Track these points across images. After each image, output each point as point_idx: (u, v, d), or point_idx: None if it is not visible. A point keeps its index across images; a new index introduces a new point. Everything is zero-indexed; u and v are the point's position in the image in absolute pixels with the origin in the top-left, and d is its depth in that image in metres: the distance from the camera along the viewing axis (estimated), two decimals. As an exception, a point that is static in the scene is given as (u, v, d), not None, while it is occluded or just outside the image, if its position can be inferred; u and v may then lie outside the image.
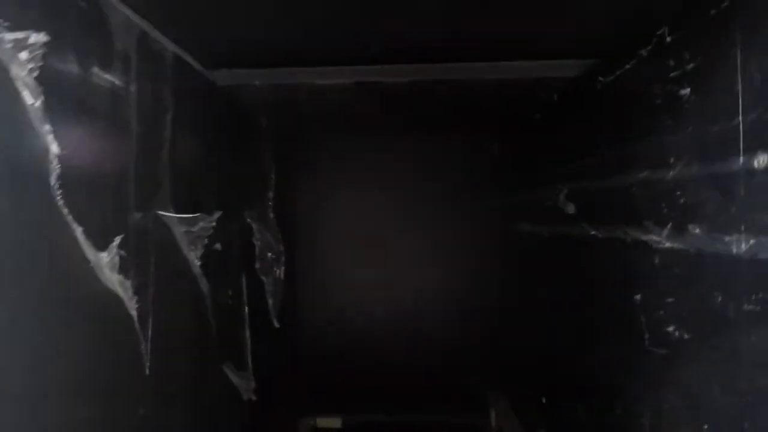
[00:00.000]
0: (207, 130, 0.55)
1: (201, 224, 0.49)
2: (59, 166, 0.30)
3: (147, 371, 0.41)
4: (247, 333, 0.68)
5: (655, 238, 0.41)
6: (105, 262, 0.34)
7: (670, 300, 0.40)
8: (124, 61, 0.38)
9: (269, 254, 0.75)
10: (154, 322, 0.41)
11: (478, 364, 1.00)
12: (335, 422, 1.01)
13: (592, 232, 0.55)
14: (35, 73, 0.27)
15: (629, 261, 0.46)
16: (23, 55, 0.26)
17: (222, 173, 0.59)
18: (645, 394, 0.44)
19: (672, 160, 0.39)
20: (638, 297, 0.44)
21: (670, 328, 0.39)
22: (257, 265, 0.72)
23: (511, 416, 0.86)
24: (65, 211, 0.30)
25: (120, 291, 0.36)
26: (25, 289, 0.27)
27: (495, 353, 0.98)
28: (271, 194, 0.79)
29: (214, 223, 0.52)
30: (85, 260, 0.33)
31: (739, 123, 0.31)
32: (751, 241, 0.30)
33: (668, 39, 0.39)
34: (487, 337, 0.99)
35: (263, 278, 0.73)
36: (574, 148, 0.61)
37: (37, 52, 0.27)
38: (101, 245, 0.34)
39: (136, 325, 0.39)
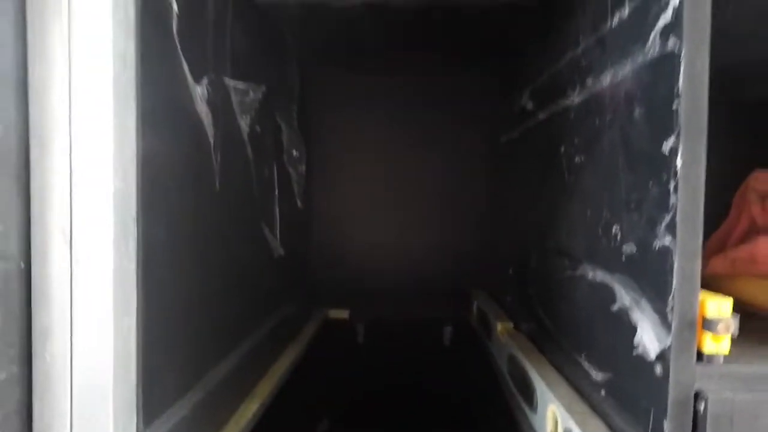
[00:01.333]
0: (251, 36, 0.73)
1: (251, 95, 0.67)
2: (176, 21, 0.48)
3: (217, 186, 0.59)
4: (277, 208, 0.86)
5: (571, 100, 0.59)
6: (198, 92, 0.53)
7: (576, 140, 0.57)
8: (206, -34, 0.55)
9: (294, 152, 0.93)
10: (221, 158, 0.60)
11: (465, 266, 1.19)
12: (343, 314, 1.20)
13: (541, 116, 0.72)
14: (169, -44, 0.45)
15: (559, 125, 0.63)
16: (165, -58, 0.44)
17: (261, 74, 0.77)
18: (565, 214, 0.61)
19: (580, 38, 0.56)
20: (562, 148, 0.62)
21: (576, 159, 0.57)
22: (285, 158, 0.90)
23: (490, 302, 1.05)
24: (179, 48, 0.49)
25: (204, 119, 0.55)
26: (159, 86, 0.45)
27: (482, 257, 1.17)
28: (294, 106, 0.97)
29: (260, 97, 0.70)
30: (187, 87, 0.51)
31: (607, 4, 0.48)
32: (611, 74, 0.47)
33: (581, -47, 0.56)
34: (475, 243, 1.18)
35: (290, 169, 0.92)
36: (534, 58, 0.78)
37: (170, -58, 0.45)
38: (196, 78, 0.52)
39: (212, 149, 0.57)
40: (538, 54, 0.75)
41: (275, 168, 0.85)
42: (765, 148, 0.85)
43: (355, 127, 1.19)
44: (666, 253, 0.37)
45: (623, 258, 0.44)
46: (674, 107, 0.36)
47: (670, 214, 0.36)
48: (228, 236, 0.64)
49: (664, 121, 0.37)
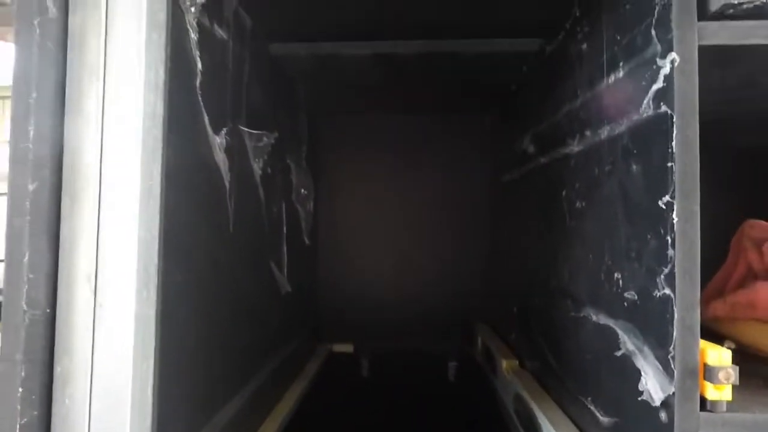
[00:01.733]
0: (265, 85, 0.77)
1: (265, 140, 0.70)
2: (200, 76, 0.51)
3: (231, 229, 0.62)
4: (285, 246, 0.88)
5: (571, 148, 0.61)
6: (217, 141, 0.55)
7: (577, 185, 0.59)
8: (227, 25, 0.59)
9: (302, 190, 0.96)
10: (235, 200, 0.62)
11: (470, 302, 1.20)
12: (348, 348, 1.20)
13: (542, 161, 0.75)
14: (195, 21, 0.49)
15: (559, 170, 0.66)
16: (193, 9, 0.48)
17: (274, 120, 0.81)
18: (567, 258, 0.63)
19: (578, 92, 0.59)
20: (564, 192, 0.64)
21: (577, 204, 0.59)
22: (293, 196, 0.93)
23: (494, 338, 1.05)
24: (201, 102, 0.52)
25: (222, 166, 0.58)
26: (181, 135, 0.48)
27: (484, 291, 1.18)
28: (303, 147, 1.00)
29: (273, 142, 0.73)
30: (207, 136, 0.54)
31: (604, 59, 0.51)
32: (608, 128, 0.50)
33: (578, 14, 0.60)
34: (479, 279, 1.19)
35: (298, 207, 0.95)
36: (534, 104, 0.81)
37: (197, 9, 0.49)
38: (216, 130, 0.55)
39: (227, 193, 0.60)
40: (538, 101, 0.79)
41: (284, 206, 0.88)
42: (758, 193, 0.88)
43: (361, 164, 1.23)
44: (666, 302, 0.38)
45: (625, 304, 0.46)
46: (668, 165, 0.38)
47: (669, 266, 0.38)
48: (239, 276, 0.66)
49: (660, 178, 0.39)
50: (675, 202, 0.37)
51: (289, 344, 0.91)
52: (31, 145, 0.38)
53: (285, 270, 0.87)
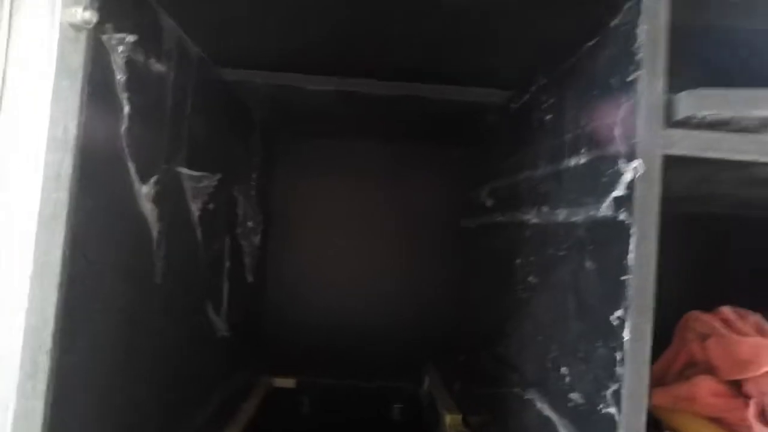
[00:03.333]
0: (213, 114, 0.71)
1: (205, 182, 0.64)
2: (127, 121, 0.45)
3: (158, 281, 0.55)
4: (226, 284, 0.82)
5: (528, 217, 0.60)
6: (144, 192, 0.49)
7: (531, 259, 0.58)
8: (168, 57, 0.53)
9: (249, 223, 0.90)
10: (166, 248, 0.56)
11: (419, 341, 1.17)
12: (289, 383, 1.15)
13: (499, 219, 0.73)
14: (124, 60, 0.43)
15: (515, 237, 0.64)
16: (120, 48, 0.42)
17: (220, 151, 0.75)
18: (516, 329, 0.61)
19: (539, 163, 0.57)
20: (518, 261, 0.62)
21: (530, 278, 0.57)
22: (238, 231, 0.87)
23: (440, 384, 1.03)
24: (126, 151, 0.46)
25: (148, 216, 0.51)
26: (97, 197, 0.42)
27: (434, 332, 1.15)
28: (254, 175, 0.94)
29: (215, 183, 0.67)
30: (132, 188, 0.48)
31: (565, 140, 0.49)
32: (566, 212, 0.48)
33: (543, 82, 0.58)
34: (429, 319, 1.17)
35: (242, 242, 0.89)
36: (496, 157, 0.79)
37: (127, 46, 0.43)
38: (143, 179, 0.49)
39: (154, 243, 0.54)
40: (499, 155, 0.77)
41: (227, 243, 0.82)
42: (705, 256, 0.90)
43: (316, 191, 1.17)
44: (611, 421, 0.36)
45: (569, 404, 0.44)
46: (623, 279, 0.36)
47: (616, 385, 0.36)
48: (165, 330, 0.59)
49: (614, 289, 0.37)
50: (628, 317, 0.35)
51: (226, 384, 0.85)
52: None
53: (223, 311, 0.81)
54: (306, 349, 1.14)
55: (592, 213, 0.42)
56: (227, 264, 0.82)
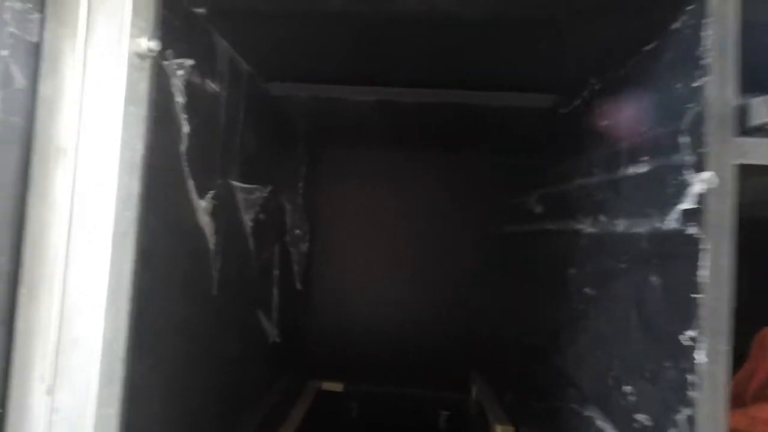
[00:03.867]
0: (261, 128, 0.73)
1: (257, 194, 0.66)
2: (187, 140, 0.47)
3: (214, 291, 0.58)
4: (276, 291, 0.84)
5: (582, 226, 0.57)
6: (202, 206, 0.51)
7: (587, 269, 0.55)
8: (221, 76, 0.56)
9: (296, 231, 0.92)
10: (222, 261, 0.58)
11: (464, 348, 1.16)
12: (337, 387, 1.16)
13: (549, 227, 0.71)
14: (183, 83, 0.45)
15: (568, 245, 0.62)
16: (180, 72, 0.44)
17: (269, 162, 0.77)
18: (572, 342, 0.59)
19: (594, 170, 0.55)
20: (572, 270, 0.60)
21: (586, 289, 0.55)
22: (287, 238, 0.89)
23: (488, 393, 1.01)
24: (186, 168, 0.48)
25: (206, 230, 0.54)
26: (161, 213, 0.44)
27: (480, 339, 1.14)
28: (300, 184, 0.96)
29: (266, 195, 0.69)
30: (191, 203, 0.50)
31: (623, 147, 0.47)
32: (625, 222, 0.46)
33: (596, 87, 0.56)
34: (474, 325, 1.15)
35: (291, 249, 0.91)
36: (543, 162, 0.77)
37: (186, 70, 0.45)
38: (201, 194, 0.51)
39: (211, 256, 0.56)
40: (547, 161, 0.75)
41: (276, 250, 0.84)
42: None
43: (360, 199, 1.18)
44: (684, 447, 0.34)
45: (635, 424, 0.42)
46: (694, 297, 0.34)
47: (689, 410, 0.34)
48: (221, 339, 0.61)
49: (683, 308, 0.35)
50: (701, 339, 0.33)
51: (276, 388, 0.87)
52: (-15, 236, 0.34)
53: (274, 317, 0.83)
54: (352, 355, 1.15)
55: (656, 225, 0.40)
56: (276, 272, 0.85)
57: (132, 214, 0.39)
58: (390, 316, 1.17)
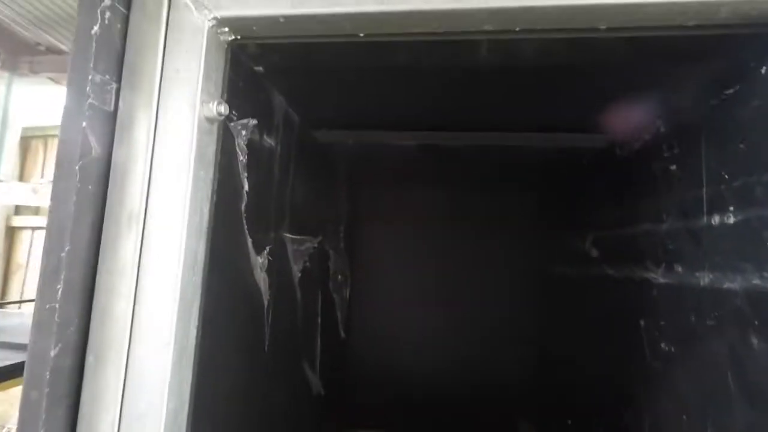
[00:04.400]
0: (309, 176, 0.73)
1: (307, 245, 0.65)
2: (246, 198, 0.47)
3: (266, 349, 0.56)
4: (319, 340, 0.82)
5: (653, 275, 0.54)
6: (259, 263, 0.51)
7: (662, 323, 0.51)
8: (276, 130, 0.56)
9: (339, 277, 0.90)
10: (272, 315, 0.57)
11: (507, 395, 1.10)
12: (378, 436, 1.11)
13: (609, 272, 0.67)
14: (245, 142, 0.45)
15: (635, 294, 0.58)
16: (244, 132, 0.44)
17: (316, 209, 0.76)
18: (648, 401, 0.55)
19: (664, 216, 0.52)
20: (642, 322, 0.56)
21: (663, 345, 0.51)
22: (330, 285, 0.87)
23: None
24: (245, 226, 0.47)
25: (261, 285, 0.53)
26: (222, 275, 0.44)
27: (527, 385, 1.08)
28: (343, 227, 0.95)
29: (315, 245, 0.68)
30: (249, 260, 0.49)
31: (703, 194, 0.44)
32: (711, 276, 0.43)
33: (662, 130, 0.53)
34: (521, 370, 1.09)
35: (334, 296, 0.89)
36: (598, 204, 0.74)
37: (249, 129, 0.45)
38: (258, 251, 0.50)
39: (265, 312, 0.55)
40: (604, 203, 0.72)
41: (320, 298, 0.82)
42: None
43: (400, 237, 1.17)
44: None
45: (744, 508, 0.37)
46: (818, 370, 0.30)
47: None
48: (270, 392, 0.59)
49: (803, 379, 0.31)
50: (831, 419, 0.29)
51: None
52: (57, 305, 0.34)
53: (317, 367, 0.81)
54: (393, 402, 1.11)
55: (756, 282, 0.37)
56: (320, 320, 0.83)
57: (198, 279, 0.38)
58: (429, 362, 1.13)
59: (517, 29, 0.37)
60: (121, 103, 0.37)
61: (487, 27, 0.38)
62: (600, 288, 0.72)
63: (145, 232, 0.37)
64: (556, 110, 0.65)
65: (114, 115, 0.37)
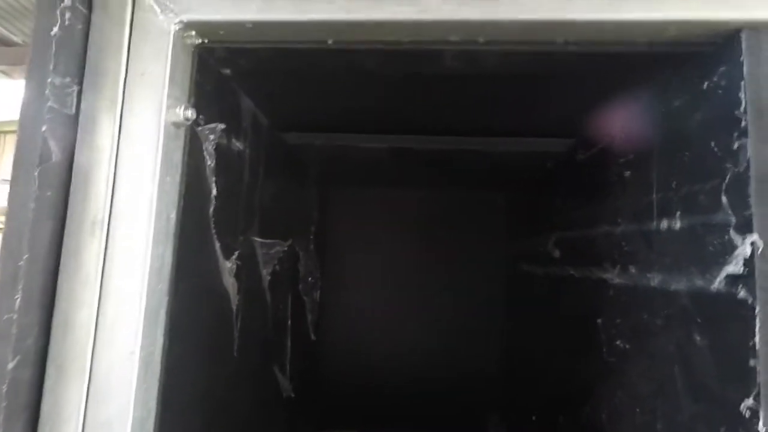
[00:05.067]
0: (278, 178, 0.73)
1: (276, 248, 0.65)
2: (214, 202, 0.47)
3: (235, 353, 0.56)
4: (289, 342, 0.82)
5: (609, 276, 0.57)
6: (227, 267, 0.50)
7: (618, 321, 0.54)
8: (245, 133, 0.56)
9: (310, 278, 0.91)
10: (241, 320, 0.57)
11: (477, 391, 1.13)
12: (350, 436, 1.12)
13: (570, 272, 0.70)
14: (213, 146, 0.45)
15: (594, 294, 0.61)
16: (212, 136, 0.44)
17: (286, 212, 0.76)
18: (605, 396, 0.57)
19: (620, 219, 0.55)
20: (599, 321, 0.59)
21: (618, 342, 0.54)
22: (300, 287, 0.87)
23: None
24: (213, 231, 0.47)
25: (230, 290, 0.52)
26: (190, 280, 0.43)
27: (495, 379, 1.11)
28: (313, 228, 0.95)
29: (285, 248, 0.68)
30: (218, 265, 0.49)
31: (654, 200, 0.47)
32: (661, 277, 0.46)
33: (618, 137, 0.56)
34: (489, 365, 1.12)
35: (305, 298, 0.89)
36: (560, 206, 0.77)
37: (216, 134, 0.45)
38: (227, 256, 0.50)
39: (234, 316, 0.54)
40: (566, 204, 0.75)
41: (290, 300, 0.82)
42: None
43: (371, 238, 1.18)
44: None
45: (688, 493, 0.40)
46: (751, 365, 0.33)
47: (754, 483, 0.32)
48: (239, 397, 0.59)
49: (738, 373, 0.34)
50: (760, 410, 0.32)
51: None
52: (15, 316, 0.33)
53: (288, 370, 0.81)
54: (364, 402, 1.12)
55: (699, 284, 0.39)
56: (290, 322, 0.83)
57: (164, 286, 0.38)
58: (399, 361, 1.14)
59: (481, 40, 0.39)
60: (83, 106, 0.37)
61: (452, 38, 0.39)
62: (562, 287, 0.75)
63: (109, 238, 0.36)
64: (520, 115, 0.67)
65: (76, 118, 0.37)
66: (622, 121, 0.56)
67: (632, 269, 0.51)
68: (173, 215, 0.39)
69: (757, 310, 0.33)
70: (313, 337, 0.95)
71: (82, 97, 0.37)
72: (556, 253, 0.77)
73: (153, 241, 0.37)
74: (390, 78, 0.49)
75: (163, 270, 0.38)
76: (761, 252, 0.33)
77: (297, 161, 0.85)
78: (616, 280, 0.55)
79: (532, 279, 0.91)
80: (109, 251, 0.36)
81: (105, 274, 0.36)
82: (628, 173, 0.54)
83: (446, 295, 1.15)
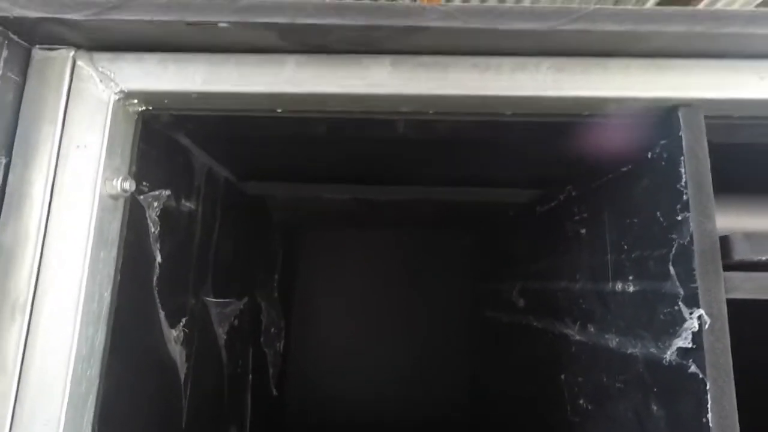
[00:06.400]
0: (238, 229, 0.70)
1: (231, 307, 0.62)
2: (158, 270, 0.44)
3: (183, 425, 0.52)
4: (249, 399, 0.78)
5: (570, 331, 0.56)
6: (173, 336, 0.48)
7: (580, 379, 0.54)
8: (197, 191, 0.54)
9: (272, 329, 0.87)
10: (191, 386, 0.53)
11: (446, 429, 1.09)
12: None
13: (534, 323, 0.70)
14: (157, 212, 0.43)
15: (557, 348, 0.61)
16: (156, 203, 0.42)
17: (245, 262, 0.74)
18: (570, 456, 0.56)
19: (578, 276, 0.55)
20: (563, 377, 0.58)
21: (581, 401, 0.53)
22: (262, 339, 0.84)
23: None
24: (157, 300, 0.44)
25: (177, 359, 0.49)
26: (127, 359, 0.40)
27: (461, 424, 1.08)
28: (276, 276, 0.93)
29: (241, 306, 0.65)
30: (163, 334, 0.46)
31: (608, 260, 0.48)
32: (618, 339, 0.45)
33: (573, 193, 0.57)
34: (455, 411, 1.10)
35: (266, 350, 0.85)
36: (523, 255, 0.77)
37: (161, 200, 0.43)
38: (173, 324, 0.47)
39: (182, 386, 0.51)
40: (529, 254, 0.75)
41: (251, 354, 0.79)
42: None
43: (336, 280, 1.15)
44: None
45: None
46: (705, 439, 0.32)
47: None
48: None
49: (694, 449, 0.33)
50: (717, 490, 0.31)
51: None
52: None
53: (248, 429, 0.76)
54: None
55: (653, 351, 0.39)
56: (250, 377, 0.79)
57: (94, 371, 0.35)
58: (372, 399, 1.10)
59: (431, 112, 0.39)
60: (10, 179, 0.34)
61: (403, 109, 0.39)
62: (527, 336, 0.74)
63: (32, 324, 0.33)
64: (478, 169, 0.68)
65: (2, 192, 0.34)
66: (574, 180, 0.56)
67: (591, 328, 0.51)
68: (107, 293, 0.36)
69: (708, 386, 0.33)
70: (274, 392, 0.90)
71: (10, 170, 0.35)
72: (521, 303, 0.76)
73: (81, 324, 0.34)
74: (345, 140, 0.49)
75: (94, 355, 0.35)
76: (709, 327, 0.33)
77: (258, 209, 0.83)
78: (577, 337, 0.55)
79: (498, 325, 0.91)
80: (30, 338, 0.33)
81: (24, 364, 0.33)
82: (583, 231, 0.54)
83: (416, 340, 1.13)
